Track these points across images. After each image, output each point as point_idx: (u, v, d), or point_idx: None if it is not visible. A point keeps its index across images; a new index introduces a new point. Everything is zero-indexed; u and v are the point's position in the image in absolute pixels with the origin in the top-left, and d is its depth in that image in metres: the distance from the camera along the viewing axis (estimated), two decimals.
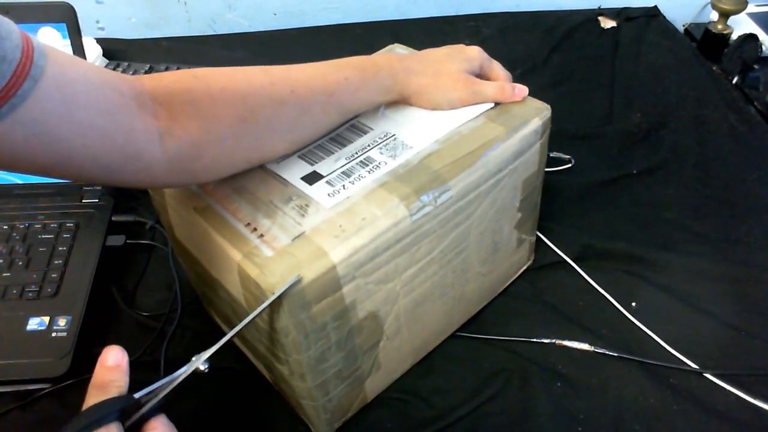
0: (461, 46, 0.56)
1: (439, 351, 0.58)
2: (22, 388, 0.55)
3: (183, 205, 0.47)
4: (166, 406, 0.37)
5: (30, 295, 0.60)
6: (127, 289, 0.65)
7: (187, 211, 0.46)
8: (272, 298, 0.39)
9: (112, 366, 0.37)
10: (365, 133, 0.51)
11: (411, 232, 0.45)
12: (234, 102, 0.43)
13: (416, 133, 0.51)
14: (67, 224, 0.66)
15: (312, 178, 0.47)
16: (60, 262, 0.63)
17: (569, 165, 0.78)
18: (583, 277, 0.64)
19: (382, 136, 0.51)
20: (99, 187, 0.70)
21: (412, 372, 0.57)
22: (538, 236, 0.65)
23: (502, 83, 0.54)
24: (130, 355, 0.57)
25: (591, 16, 1.08)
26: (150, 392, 0.36)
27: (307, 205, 0.45)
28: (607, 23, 1.07)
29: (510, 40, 1.04)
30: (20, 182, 0.70)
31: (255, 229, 0.43)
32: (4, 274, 0.61)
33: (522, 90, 0.54)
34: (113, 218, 0.69)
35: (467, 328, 0.60)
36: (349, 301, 0.44)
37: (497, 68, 0.56)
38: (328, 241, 0.42)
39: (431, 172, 0.47)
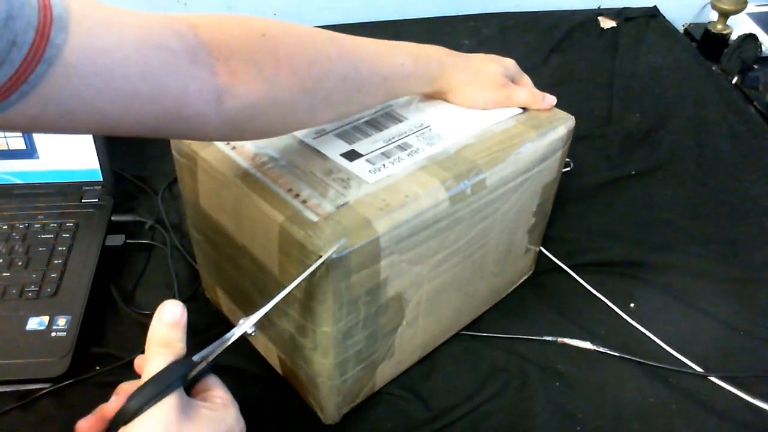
0: (496, 56, 0.58)
1: (439, 351, 0.58)
2: (22, 388, 0.55)
3: (219, 168, 0.46)
4: (215, 367, 0.38)
5: (30, 294, 0.60)
6: (127, 289, 0.65)
7: (223, 174, 0.46)
8: (324, 258, 0.38)
9: (172, 322, 0.36)
10: (400, 121, 0.52)
11: (448, 215, 0.46)
12: (300, 70, 0.41)
13: (450, 126, 0.52)
14: (67, 224, 0.66)
15: (352, 155, 0.48)
16: (60, 261, 0.63)
17: (568, 168, 0.78)
18: (582, 278, 0.64)
19: (418, 125, 0.52)
20: (99, 187, 0.71)
21: (412, 371, 0.57)
22: None
23: (533, 90, 0.56)
24: (129, 355, 0.58)
25: (591, 16, 1.08)
26: (205, 354, 0.37)
27: (349, 179, 0.45)
28: (607, 23, 1.07)
29: (510, 40, 1.04)
30: (20, 182, 0.70)
31: (297, 195, 0.43)
32: (4, 274, 0.61)
33: (551, 99, 0.56)
34: (113, 218, 0.69)
35: (468, 327, 0.60)
36: (383, 277, 0.44)
37: (527, 80, 0.58)
38: (372, 212, 0.42)
39: (469, 161, 0.48)
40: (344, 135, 0.50)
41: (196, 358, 0.37)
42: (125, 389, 0.36)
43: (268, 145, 0.48)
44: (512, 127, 0.53)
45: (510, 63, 0.58)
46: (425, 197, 0.44)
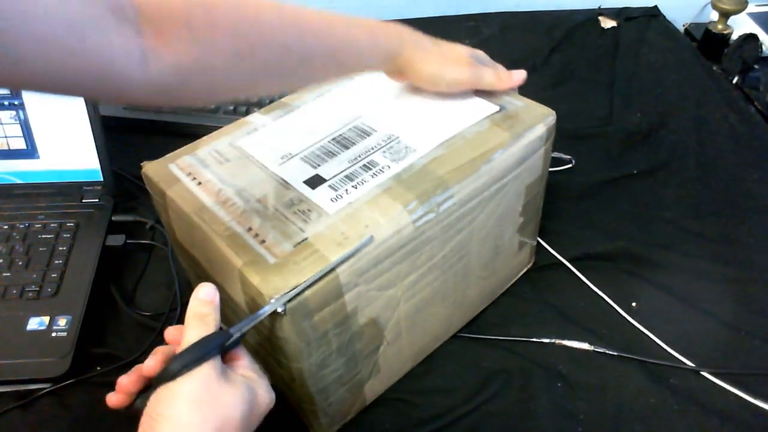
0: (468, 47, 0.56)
1: (439, 351, 0.58)
2: (22, 388, 0.55)
3: (184, 207, 0.47)
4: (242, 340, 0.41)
5: (30, 295, 0.60)
6: (127, 289, 0.65)
7: (188, 214, 0.46)
8: (276, 306, 0.38)
9: (206, 300, 0.39)
10: (368, 134, 0.51)
11: (413, 238, 0.45)
12: (236, 34, 0.40)
13: (420, 135, 0.50)
14: (67, 224, 0.66)
15: (315, 181, 0.47)
16: (60, 262, 0.63)
17: (569, 165, 0.78)
18: (583, 276, 0.64)
19: (386, 138, 0.50)
20: (99, 187, 0.71)
21: (411, 372, 0.57)
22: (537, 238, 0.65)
23: (501, 70, 0.54)
24: (129, 356, 0.58)
25: (591, 16, 1.08)
26: (239, 328, 0.39)
27: (309, 210, 0.44)
28: (607, 23, 1.07)
29: (510, 40, 1.04)
30: (20, 182, 0.70)
31: (257, 235, 0.43)
32: (4, 274, 0.61)
33: (519, 74, 0.54)
34: (113, 218, 0.69)
35: (467, 328, 0.60)
36: (351, 308, 0.43)
37: (500, 67, 0.56)
38: (330, 248, 0.41)
39: (435, 177, 0.46)
40: (310, 158, 0.49)
41: (233, 330, 0.39)
42: (163, 351, 0.39)
43: (233, 178, 0.48)
44: (486, 131, 0.50)
45: (480, 52, 0.55)
46: (386, 225, 0.43)
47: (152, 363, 0.38)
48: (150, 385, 0.37)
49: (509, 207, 0.54)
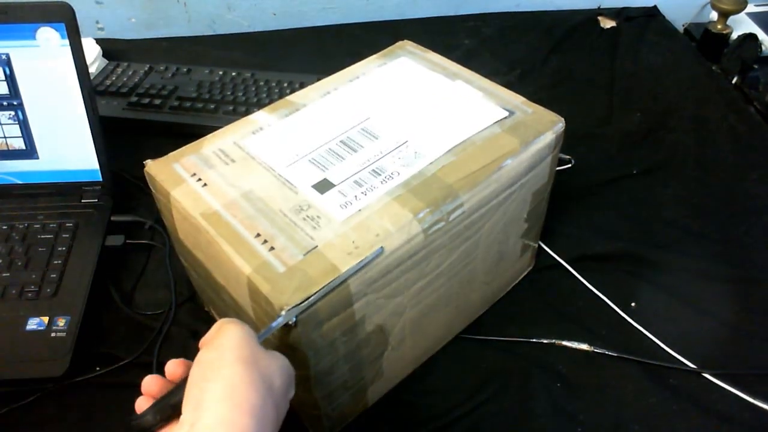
0: None
1: (438, 351, 0.58)
2: (22, 388, 0.55)
3: (189, 209, 0.46)
4: None
5: (29, 295, 0.60)
6: (126, 289, 0.65)
7: (193, 216, 0.45)
8: (287, 317, 0.38)
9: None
10: (376, 137, 0.50)
11: (423, 247, 0.44)
12: None
13: (429, 139, 0.50)
14: (67, 224, 0.66)
15: (323, 186, 0.46)
16: (59, 262, 0.63)
17: (569, 165, 0.78)
18: (582, 276, 0.64)
19: (394, 143, 0.50)
20: (99, 187, 0.70)
21: (411, 372, 0.57)
22: None
23: None
24: (128, 356, 0.58)
25: (591, 16, 1.08)
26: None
27: (318, 217, 0.44)
28: (607, 23, 1.07)
29: (510, 40, 1.04)
30: (20, 182, 0.70)
31: (265, 241, 0.42)
32: (4, 274, 0.61)
33: None
34: (112, 218, 0.69)
35: (467, 329, 0.60)
36: (359, 317, 0.43)
37: None
38: (341, 258, 0.40)
39: (445, 185, 0.46)
40: (317, 160, 0.48)
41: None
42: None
43: (239, 180, 0.47)
44: (496, 137, 0.50)
45: None
46: (397, 234, 0.42)
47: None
48: (160, 400, 0.36)
49: (515, 214, 0.53)
